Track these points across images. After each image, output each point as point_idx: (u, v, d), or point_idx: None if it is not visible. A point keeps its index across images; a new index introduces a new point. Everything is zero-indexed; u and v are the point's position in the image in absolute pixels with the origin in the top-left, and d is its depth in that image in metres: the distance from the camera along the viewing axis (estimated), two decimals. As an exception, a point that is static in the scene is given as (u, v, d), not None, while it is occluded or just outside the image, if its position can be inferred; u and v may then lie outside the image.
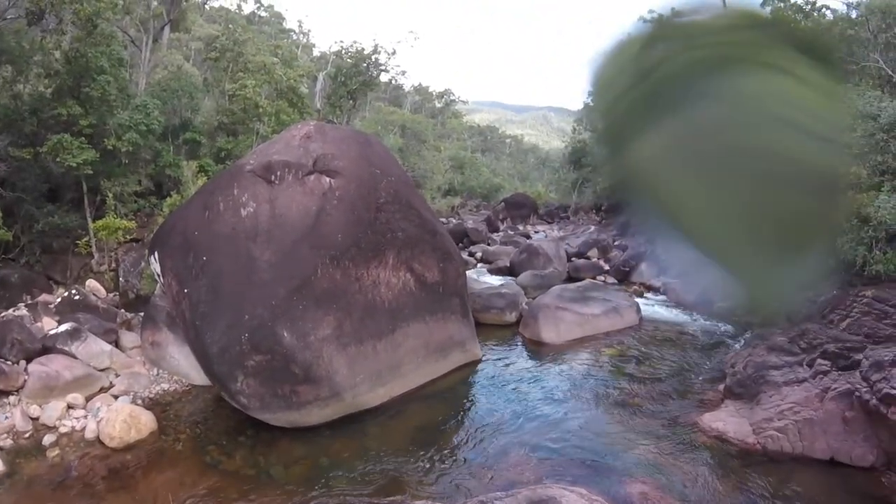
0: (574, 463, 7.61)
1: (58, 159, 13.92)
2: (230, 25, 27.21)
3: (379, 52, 29.08)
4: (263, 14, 49.81)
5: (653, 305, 16.45)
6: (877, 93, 12.55)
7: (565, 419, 8.94)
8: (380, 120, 34.51)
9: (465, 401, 9.88)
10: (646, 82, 1.98)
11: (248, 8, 46.12)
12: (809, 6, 20.39)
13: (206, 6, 33.38)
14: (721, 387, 9.67)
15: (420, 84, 59.38)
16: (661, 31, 2.11)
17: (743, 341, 11.77)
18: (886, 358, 7.56)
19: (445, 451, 8.00)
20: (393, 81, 44.05)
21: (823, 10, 20.47)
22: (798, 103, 1.75)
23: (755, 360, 9.39)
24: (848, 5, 19.16)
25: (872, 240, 10.14)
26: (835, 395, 7.67)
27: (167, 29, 25.05)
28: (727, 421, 8.45)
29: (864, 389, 7.38)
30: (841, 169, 1.83)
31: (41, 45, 15.16)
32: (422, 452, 7.88)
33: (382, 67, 29.67)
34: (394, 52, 30.20)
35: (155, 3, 23.47)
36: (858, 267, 10.20)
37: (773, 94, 1.78)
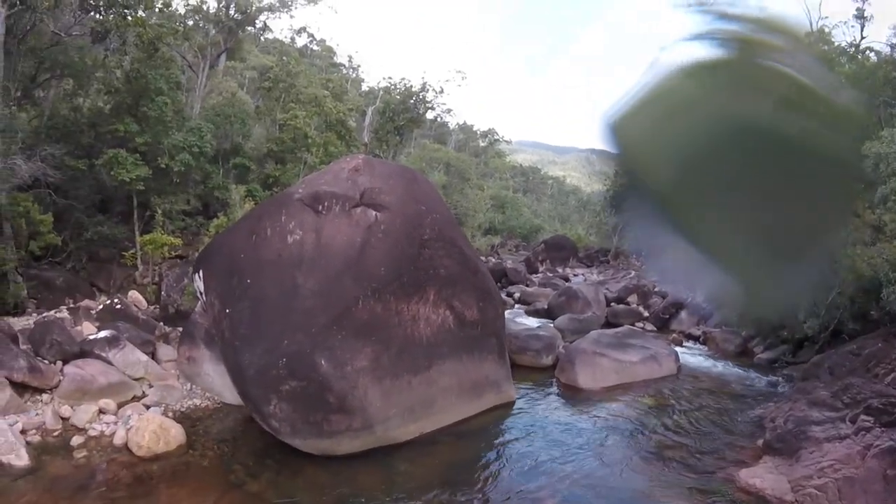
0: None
1: (112, 173, 14.55)
2: (284, 57, 28.34)
3: (427, 90, 29.65)
4: (315, 48, 51.21)
5: (692, 354, 15.93)
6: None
7: (599, 467, 8.62)
8: (425, 156, 35.00)
9: (496, 442, 9.58)
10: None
11: (300, 41, 47.80)
12: (853, 49, 19.74)
13: (262, 37, 34.63)
14: (760, 441, 9.26)
15: (465, 122, 60.08)
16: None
17: (783, 395, 11.28)
18: (940, 419, 7.14)
19: (474, 493, 7.75)
20: (438, 119, 44.55)
21: (867, 52, 19.78)
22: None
23: (796, 414, 8.99)
24: (892, 47, 18.52)
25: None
26: (877, 453, 7.23)
27: (223, 57, 26.18)
28: (765, 477, 8.03)
29: (913, 449, 6.95)
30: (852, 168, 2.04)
31: (103, 62, 15.97)
32: (449, 492, 7.64)
33: (429, 105, 30.19)
34: (441, 91, 30.74)
35: (213, 32, 24.58)
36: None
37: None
